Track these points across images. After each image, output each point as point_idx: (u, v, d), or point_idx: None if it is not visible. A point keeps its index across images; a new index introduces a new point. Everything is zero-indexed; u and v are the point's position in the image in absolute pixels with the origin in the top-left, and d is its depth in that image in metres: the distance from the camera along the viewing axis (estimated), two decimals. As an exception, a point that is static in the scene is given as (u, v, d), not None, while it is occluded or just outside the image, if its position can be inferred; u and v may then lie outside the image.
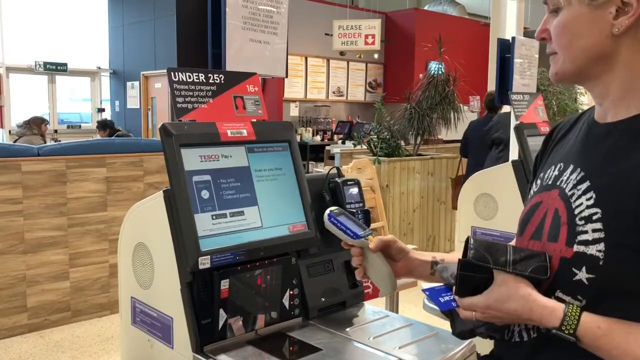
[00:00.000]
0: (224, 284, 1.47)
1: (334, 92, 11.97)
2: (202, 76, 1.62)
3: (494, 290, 1.03)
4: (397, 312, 2.47)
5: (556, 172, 1.12)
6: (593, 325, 0.94)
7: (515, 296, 1.01)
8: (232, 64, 1.82)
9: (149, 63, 10.23)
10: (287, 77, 1.96)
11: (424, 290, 1.21)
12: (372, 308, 1.82)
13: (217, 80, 1.65)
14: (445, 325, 1.47)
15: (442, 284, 1.20)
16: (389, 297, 2.48)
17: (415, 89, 6.49)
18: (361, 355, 1.47)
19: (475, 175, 3.11)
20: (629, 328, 0.93)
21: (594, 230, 0.97)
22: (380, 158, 5.66)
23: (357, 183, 1.83)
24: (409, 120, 6.13)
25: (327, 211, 1.34)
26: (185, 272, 1.46)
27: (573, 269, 0.99)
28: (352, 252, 1.32)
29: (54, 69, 10.42)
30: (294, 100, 11.25)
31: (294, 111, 11.20)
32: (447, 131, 6.64)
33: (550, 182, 1.12)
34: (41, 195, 3.95)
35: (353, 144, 7.23)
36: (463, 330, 1.16)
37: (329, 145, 9.89)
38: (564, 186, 1.07)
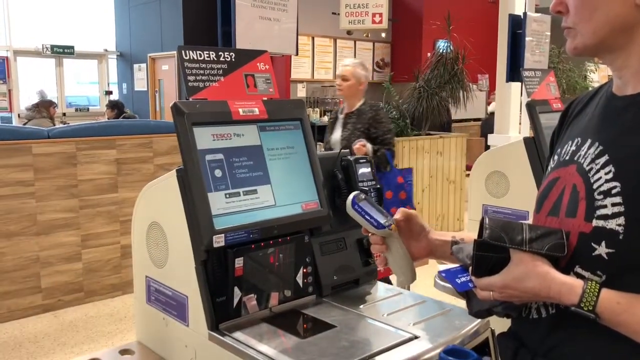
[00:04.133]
0: (238, 262, 1.48)
1: (341, 72, 11.88)
2: (212, 54, 1.61)
3: (511, 269, 1.02)
4: (409, 290, 2.47)
5: (573, 147, 1.10)
6: (613, 302, 0.93)
7: (533, 274, 0.99)
8: (242, 41, 1.80)
9: (155, 45, 10.18)
10: (297, 54, 1.95)
11: (440, 272, 1.20)
12: (385, 286, 1.83)
13: (227, 58, 1.64)
14: (457, 302, 1.48)
15: (459, 264, 1.19)
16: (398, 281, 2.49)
17: (424, 67, 6.43)
18: (376, 332, 1.48)
19: (487, 153, 3.09)
20: None
21: (614, 204, 0.95)
22: (389, 137, 5.62)
23: (369, 161, 1.83)
24: (418, 99, 6.08)
25: (351, 197, 1.30)
26: (200, 251, 1.47)
27: (592, 244, 0.98)
28: (372, 240, 1.29)
29: (61, 51, 10.40)
30: (301, 81, 11.19)
31: (301, 92, 11.14)
32: (455, 110, 6.60)
33: (567, 158, 1.10)
34: (52, 178, 3.97)
35: (361, 124, 7.19)
36: (480, 310, 1.16)
37: (337, 125, 9.85)
38: (582, 161, 1.05)
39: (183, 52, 1.56)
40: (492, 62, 7.45)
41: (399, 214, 1.28)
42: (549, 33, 3.37)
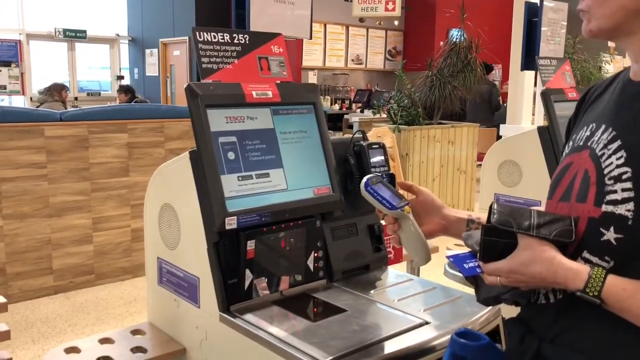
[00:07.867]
0: (250, 245, 1.48)
1: (352, 60, 11.84)
2: (227, 36, 1.60)
3: (518, 254, 1.02)
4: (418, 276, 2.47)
5: (588, 133, 1.10)
6: (618, 288, 0.93)
7: (540, 259, 1.00)
8: (256, 25, 1.80)
9: (167, 30, 10.18)
10: (311, 38, 1.94)
11: (448, 257, 1.20)
12: (395, 272, 1.82)
13: (241, 40, 1.63)
14: (468, 290, 1.47)
15: (467, 250, 1.19)
16: (411, 262, 2.49)
17: (437, 56, 6.38)
18: (387, 317, 1.48)
19: (500, 142, 3.07)
20: None
21: (624, 190, 0.95)
22: (400, 126, 5.61)
23: (382, 147, 1.82)
24: (430, 88, 6.04)
25: (364, 179, 1.31)
26: (212, 233, 1.47)
27: (601, 229, 0.98)
28: (385, 221, 1.31)
29: (74, 35, 10.43)
30: (312, 69, 11.16)
31: (312, 79, 11.11)
32: (468, 100, 6.55)
33: (581, 143, 1.10)
34: (64, 160, 3.99)
35: (372, 112, 7.18)
36: (488, 297, 1.16)
37: (347, 114, 9.83)
38: (595, 146, 1.05)
39: (197, 33, 1.55)
40: (505, 51, 7.38)
41: (416, 188, 1.30)
42: (565, 22, 3.33)
